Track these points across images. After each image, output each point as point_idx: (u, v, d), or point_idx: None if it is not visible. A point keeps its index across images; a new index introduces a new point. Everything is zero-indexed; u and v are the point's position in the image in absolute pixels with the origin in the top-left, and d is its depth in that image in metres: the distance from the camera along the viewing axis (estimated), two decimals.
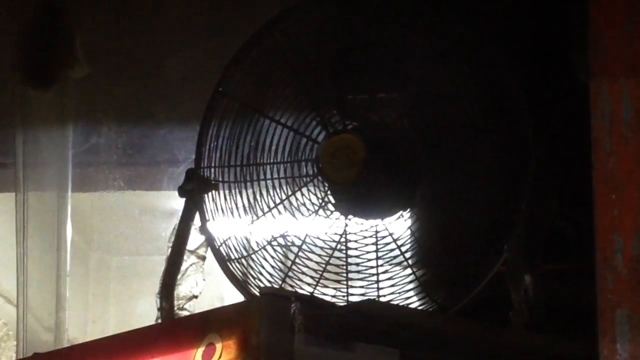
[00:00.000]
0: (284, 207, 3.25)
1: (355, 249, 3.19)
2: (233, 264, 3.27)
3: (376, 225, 3.19)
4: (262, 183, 3.26)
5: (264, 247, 3.24)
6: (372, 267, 3.16)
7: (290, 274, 3.20)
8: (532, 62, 3.24)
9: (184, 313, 3.22)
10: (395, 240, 3.17)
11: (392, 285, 3.15)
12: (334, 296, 3.15)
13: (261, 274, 3.23)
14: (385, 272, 3.16)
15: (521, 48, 3.27)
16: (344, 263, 3.17)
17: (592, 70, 2.56)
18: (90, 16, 4.29)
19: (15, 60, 4.19)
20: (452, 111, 3.13)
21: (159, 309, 3.23)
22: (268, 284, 3.19)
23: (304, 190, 3.23)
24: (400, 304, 3.12)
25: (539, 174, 3.03)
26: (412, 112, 3.16)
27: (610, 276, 2.46)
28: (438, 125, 3.13)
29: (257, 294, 3.10)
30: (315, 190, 3.22)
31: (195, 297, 3.24)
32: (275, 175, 3.26)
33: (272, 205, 3.26)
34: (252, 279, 3.24)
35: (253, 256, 3.25)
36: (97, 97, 4.38)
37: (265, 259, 3.24)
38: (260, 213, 3.26)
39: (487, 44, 3.13)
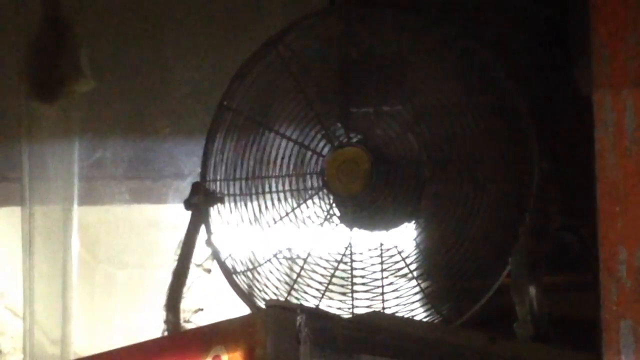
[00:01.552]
0: (289, 219, 3.26)
1: (361, 261, 3.20)
2: (239, 276, 3.27)
3: (381, 238, 3.20)
4: (268, 196, 3.27)
5: (269, 260, 3.25)
6: (377, 279, 3.17)
7: (295, 286, 3.20)
8: (535, 76, 3.25)
9: (190, 325, 3.22)
10: (400, 252, 3.18)
11: (397, 297, 3.16)
12: (339, 308, 3.15)
13: (267, 286, 3.24)
14: (391, 284, 3.17)
15: (524, 62, 3.28)
16: (349, 275, 3.18)
17: (595, 83, 2.56)
18: (96, 32, 4.30)
19: (22, 75, 4.20)
20: (456, 124, 3.13)
21: (165, 322, 3.24)
22: (274, 297, 3.20)
23: (309, 202, 3.23)
24: (406, 315, 3.14)
25: (543, 187, 3.04)
26: (417, 126, 3.16)
27: (615, 288, 2.47)
28: (442, 139, 3.14)
29: (263, 306, 3.07)
30: (320, 202, 3.23)
31: (201, 309, 3.24)
32: (281, 188, 3.26)
33: (277, 217, 3.27)
34: (257, 292, 3.24)
35: (259, 269, 3.26)
36: (103, 111, 4.38)
37: (270, 272, 3.25)
38: (265, 226, 3.27)
39: (491, 58, 3.13)
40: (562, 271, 3.14)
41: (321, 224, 3.22)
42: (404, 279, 3.17)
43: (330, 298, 3.18)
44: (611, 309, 2.47)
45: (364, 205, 3.17)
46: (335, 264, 3.19)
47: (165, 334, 3.22)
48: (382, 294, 3.16)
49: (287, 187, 3.25)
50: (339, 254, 3.20)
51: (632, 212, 2.50)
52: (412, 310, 3.15)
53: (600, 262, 2.51)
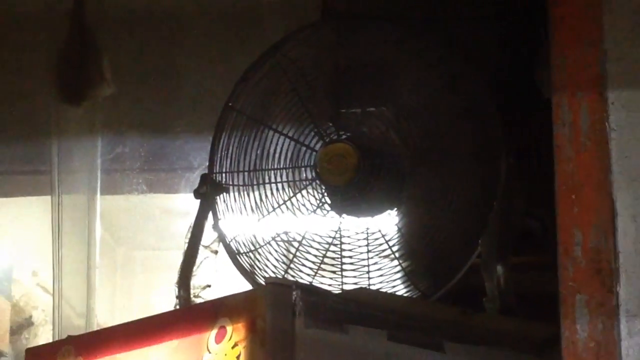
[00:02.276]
0: (286, 207, 3.25)
1: (349, 243, 3.19)
2: (242, 257, 3.26)
3: (367, 223, 3.20)
4: (267, 186, 3.26)
5: (268, 243, 3.24)
6: (363, 260, 3.17)
7: (291, 265, 3.19)
8: (503, 81, 3.24)
9: (199, 300, 3.22)
10: (383, 236, 3.17)
11: (381, 275, 3.16)
12: (330, 285, 3.15)
13: (266, 265, 3.24)
14: (375, 263, 3.17)
15: (494, 68, 3.26)
16: (339, 256, 3.18)
17: (554, 87, 2.56)
18: (117, 42, 4.29)
19: (52, 80, 4.19)
20: (432, 124, 3.13)
21: (177, 297, 3.23)
22: (272, 275, 3.18)
23: (304, 192, 3.23)
24: (389, 291, 3.13)
25: (509, 179, 3.03)
26: (398, 124, 3.16)
27: (571, 266, 2.46)
28: (420, 136, 3.13)
29: (263, 283, 3.08)
30: (313, 192, 3.22)
31: (209, 286, 3.24)
32: (279, 179, 3.25)
33: (275, 205, 3.25)
34: (258, 270, 3.24)
35: (259, 250, 3.25)
36: (122, 112, 4.36)
37: (270, 253, 3.24)
38: (265, 212, 3.26)
39: (464, 65, 3.13)
40: (526, 253, 3.13)
41: (314, 211, 3.21)
42: (387, 259, 3.16)
43: (322, 276, 3.17)
44: (568, 285, 2.47)
45: (352, 194, 3.16)
46: (327, 246, 3.19)
47: (178, 307, 3.21)
48: (368, 272, 3.16)
49: (284, 179, 3.24)
50: (330, 237, 3.19)
51: (587, 200, 2.49)
52: (394, 286, 3.15)
53: (558, 244, 2.50)
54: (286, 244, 3.23)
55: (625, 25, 2.54)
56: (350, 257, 3.18)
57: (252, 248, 3.26)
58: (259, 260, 3.24)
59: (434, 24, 3.32)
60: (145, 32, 4.39)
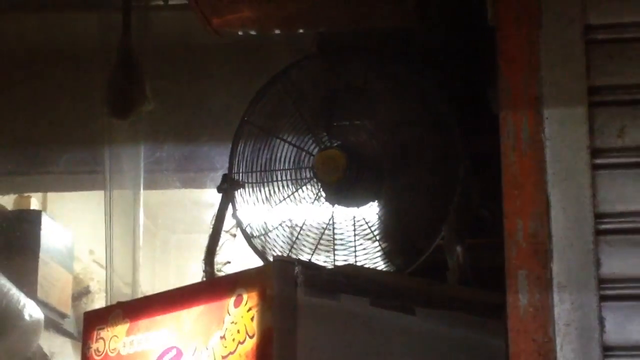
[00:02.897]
0: (290, 200, 3.24)
1: (339, 228, 3.18)
2: (255, 239, 3.25)
3: (354, 212, 3.18)
4: (275, 183, 3.24)
5: (276, 228, 3.23)
6: (351, 241, 3.16)
7: (294, 246, 3.19)
8: (462, 98, 3.22)
9: (221, 274, 3.20)
10: (367, 223, 3.16)
11: (365, 254, 3.15)
12: (325, 261, 3.13)
13: (274, 246, 3.22)
14: (360, 244, 3.15)
15: (455, 88, 3.23)
16: (332, 238, 3.16)
17: (501, 105, 2.55)
18: (157, 68, 4.26)
19: (104, 99, 4.18)
20: (406, 134, 3.12)
21: (203, 271, 3.22)
22: (279, 254, 3.18)
23: (304, 188, 3.21)
24: (371, 266, 3.12)
25: (466, 178, 3.03)
26: (378, 135, 3.14)
27: (514, 248, 2.45)
28: (395, 144, 3.12)
29: (271, 260, 3.11)
30: (311, 188, 3.20)
31: (229, 262, 3.22)
32: (284, 178, 3.24)
33: (281, 198, 3.24)
34: (268, 250, 3.22)
35: (269, 234, 3.23)
36: (160, 124, 4.33)
37: (277, 236, 3.22)
38: (273, 204, 3.25)
39: (432, 86, 3.12)
40: (479, 236, 3.11)
41: (312, 203, 3.20)
42: (369, 241, 3.15)
43: (319, 254, 3.16)
44: (512, 262, 2.46)
45: (342, 189, 3.14)
46: (322, 231, 3.17)
47: (204, 279, 3.20)
48: (355, 251, 3.14)
49: (288, 177, 3.23)
50: (325, 223, 3.18)
51: (526, 195, 2.47)
52: (375, 262, 3.13)
53: (505, 230, 2.49)
54: (290, 229, 3.21)
55: (557, 57, 2.52)
56: (341, 239, 3.17)
57: (263, 232, 3.24)
58: (268, 242, 3.22)
59: (407, 53, 3.29)
60: (179, 59, 4.37)
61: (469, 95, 3.20)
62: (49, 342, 5.21)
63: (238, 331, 2.69)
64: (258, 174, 3.25)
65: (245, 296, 2.70)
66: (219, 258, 3.23)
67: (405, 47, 3.32)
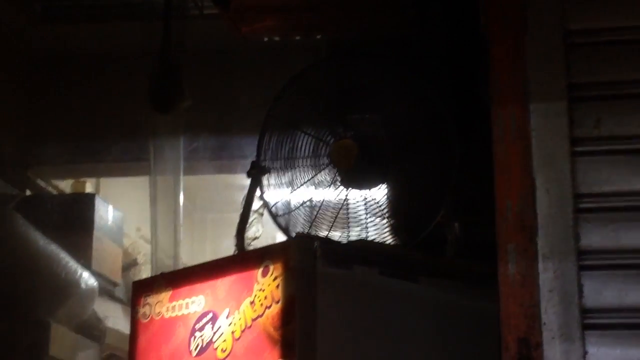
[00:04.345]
0: (310, 183, 3.23)
1: (353, 208, 3.17)
2: (279, 218, 3.25)
3: (365, 193, 3.18)
4: (297, 169, 3.23)
5: (298, 208, 3.22)
6: (362, 219, 3.15)
7: (314, 223, 3.18)
8: (458, 97, 3.20)
9: (251, 247, 3.19)
10: (377, 202, 3.16)
11: (375, 230, 3.14)
12: (340, 237, 3.13)
13: (296, 224, 3.21)
14: (371, 221, 3.15)
15: (451, 85, 3.22)
16: (346, 217, 3.16)
17: (492, 101, 2.54)
18: (193, 71, 4.28)
19: (148, 97, 4.19)
20: (408, 127, 3.11)
21: (235, 245, 3.21)
22: (300, 230, 3.18)
23: (322, 173, 3.20)
24: (380, 241, 3.12)
25: (462, 163, 3.02)
26: (385, 127, 3.14)
27: (504, 225, 2.44)
28: (400, 135, 3.11)
29: (294, 236, 3.12)
30: (328, 173, 3.19)
31: (257, 238, 3.22)
32: (304, 164, 3.23)
33: (302, 182, 3.23)
34: (291, 227, 3.22)
35: (292, 213, 3.22)
36: (197, 119, 4.35)
37: (299, 215, 3.22)
38: (295, 187, 3.24)
39: (431, 85, 3.10)
40: (474, 214, 3.10)
41: (329, 186, 3.19)
42: (379, 219, 3.14)
43: (335, 231, 3.15)
44: (502, 237, 2.45)
45: (354, 174, 3.14)
46: (337, 210, 3.16)
47: (236, 252, 3.20)
48: (366, 228, 3.14)
49: (308, 164, 3.21)
50: (340, 204, 3.17)
51: (515, 179, 2.46)
52: (384, 237, 3.13)
53: (496, 209, 2.48)
54: (310, 209, 3.20)
55: (541, 58, 2.51)
56: (354, 217, 3.16)
57: (287, 211, 3.23)
58: (291, 220, 3.21)
59: (409, 55, 3.26)
60: (212, 61, 4.39)
61: (464, 91, 3.18)
62: (103, 307, 5.23)
63: (265, 297, 2.70)
64: (282, 161, 3.24)
65: (271, 267, 2.71)
66: (248, 234, 3.22)
67: (408, 50, 3.29)
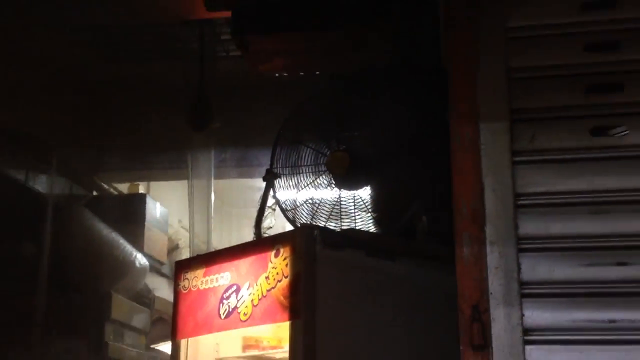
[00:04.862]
0: (311, 185, 3.22)
1: (344, 204, 3.17)
2: (288, 212, 3.24)
3: (354, 193, 3.17)
4: (301, 175, 3.22)
5: (302, 204, 3.21)
6: (352, 213, 3.15)
7: (314, 217, 3.17)
8: (429, 118, 3.15)
9: (265, 235, 3.19)
10: (363, 200, 3.15)
11: (362, 221, 3.14)
12: (334, 227, 3.13)
13: (301, 217, 3.20)
14: (359, 215, 3.15)
15: (421, 111, 3.16)
16: (339, 211, 3.16)
17: (451, 121, 2.53)
18: (222, 99, 4.27)
19: (187, 119, 4.19)
20: (390, 142, 3.10)
21: (254, 233, 3.21)
22: (304, 222, 3.17)
23: (320, 177, 3.19)
24: (365, 229, 3.12)
25: (428, 171, 3.00)
26: (370, 142, 3.13)
27: (460, 217, 2.43)
28: (381, 149, 3.11)
29: (299, 226, 3.12)
30: (325, 178, 3.19)
31: (270, 227, 3.21)
32: (307, 171, 3.22)
33: (305, 185, 3.22)
34: (297, 219, 3.21)
35: (297, 209, 3.22)
36: (225, 137, 4.34)
37: (303, 210, 3.21)
38: (300, 188, 3.23)
39: (405, 111, 3.09)
40: (439, 209, 3.08)
41: (326, 188, 3.18)
42: (364, 213, 3.14)
43: (330, 222, 3.15)
44: (459, 227, 2.43)
45: (346, 178, 3.14)
46: (332, 206, 3.16)
47: (254, 239, 3.19)
48: (355, 219, 3.14)
49: (309, 171, 3.21)
50: (334, 201, 3.17)
51: (468, 182, 2.44)
52: (369, 227, 3.13)
53: (454, 206, 2.46)
54: (311, 205, 3.19)
55: (489, 88, 2.50)
56: (345, 211, 3.15)
57: (293, 207, 3.22)
58: (297, 214, 3.20)
59: (389, 87, 3.21)
60: (236, 91, 4.36)
61: (431, 114, 3.14)
62: (152, 281, 5.23)
63: (277, 273, 2.70)
64: (289, 168, 3.23)
65: (282, 250, 2.71)
66: (264, 225, 3.22)
67: (388, 82, 3.25)
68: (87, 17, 3.71)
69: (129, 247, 4.82)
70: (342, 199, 3.15)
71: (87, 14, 3.47)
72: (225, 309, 2.86)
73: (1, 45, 3.86)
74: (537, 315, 2.33)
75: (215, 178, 4.50)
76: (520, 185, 2.43)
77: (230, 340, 3.08)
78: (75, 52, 4.34)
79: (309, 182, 3.20)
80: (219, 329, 2.89)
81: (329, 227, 3.07)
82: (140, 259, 4.91)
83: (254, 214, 3.23)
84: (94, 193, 5.03)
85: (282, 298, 2.67)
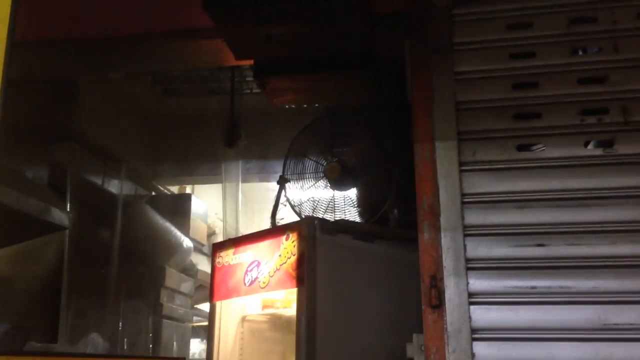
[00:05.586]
0: (313, 187, 3.20)
1: (337, 201, 3.15)
2: (295, 207, 3.22)
3: (344, 193, 3.16)
4: (305, 180, 3.21)
5: (305, 201, 3.20)
6: (342, 207, 3.14)
7: (315, 210, 3.16)
8: (398, 139, 3.16)
9: (279, 224, 3.12)
10: (350, 198, 3.15)
11: (350, 214, 3.13)
12: (329, 218, 3.11)
13: (305, 211, 3.19)
14: (348, 209, 3.13)
15: (394, 133, 3.15)
16: (333, 206, 3.15)
17: (415, 140, 2.52)
18: (246, 122, 4.26)
19: (221, 138, 4.19)
20: (369, 158, 3.09)
21: (270, 223, 3.18)
22: (307, 214, 3.15)
23: (319, 181, 3.18)
24: (352, 219, 3.10)
25: (398, 177, 2.99)
26: (355, 156, 3.13)
27: (422, 210, 2.43)
28: (364, 160, 3.10)
29: (303, 217, 3.09)
30: (323, 182, 3.17)
31: (282, 219, 3.19)
32: (309, 177, 3.20)
33: (308, 186, 3.21)
34: (302, 212, 3.19)
35: (302, 205, 3.20)
36: (249, 152, 4.31)
37: (306, 206, 3.19)
38: (304, 190, 3.21)
39: (383, 132, 3.09)
40: (406, 204, 3.05)
41: (323, 189, 3.17)
42: (352, 207, 3.13)
43: (327, 214, 3.13)
44: (420, 217, 2.42)
45: (338, 182, 3.12)
46: (328, 203, 3.15)
47: (270, 227, 3.15)
48: (344, 212, 3.12)
49: (311, 176, 3.19)
50: (330, 199, 3.16)
51: (427, 185, 2.44)
52: (355, 218, 3.11)
53: (417, 202, 2.45)
54: (312, 202, 3.18)
55: (442, 116, 2.49)
56: (338, 206, 3.15)
57: (299, 204, 3.21)
58: (302, 209, 3.19)
59: (372, 115, 3.21)
60: (258, 119, 4.34)
61: (401, 135, 3.14)
62: (195, 258, 5.23)
63: (287, 252, 2.70)
64: (296, 175, 3.23)
65: (291, 235, 2.71)
66: (277, 217, 3.21)
67: (370, 111, 3.25)
68: (150, 65, 3.72)
69: (178, 233, 4.83)
70: (335, 197, 3.16)
71: (150, 62, 3.47)
72: (249, 279, 2.87)
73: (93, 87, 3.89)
74: (478, 283, 2.34)
75: (242, 182, 4.48)
76: (465, 187, 2.44)
77: (252, 302, 3.10)
78: (142, 90, 4.36)
79: (311, 185, 3.21)
80: (245, 294, 2.89)
81: (325, 218, 3.08)
82: (187, 242, 4.91)
83: (271, 208, 3.22)
84: (153, 193, 5.04)
85: (291, 271, 2.67)
